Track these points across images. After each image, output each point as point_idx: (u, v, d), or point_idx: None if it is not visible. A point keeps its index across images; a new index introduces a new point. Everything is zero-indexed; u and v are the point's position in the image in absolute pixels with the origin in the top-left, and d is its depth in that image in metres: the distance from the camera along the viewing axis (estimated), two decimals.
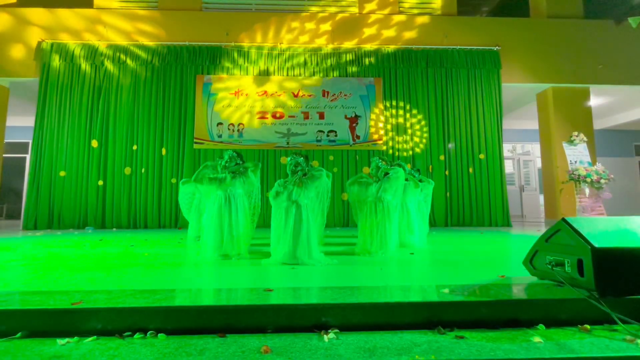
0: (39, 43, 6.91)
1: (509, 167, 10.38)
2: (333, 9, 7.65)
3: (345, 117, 7.15)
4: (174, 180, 6.76)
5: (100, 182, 6.67)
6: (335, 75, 7.25)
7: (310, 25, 7.33)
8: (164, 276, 2.33)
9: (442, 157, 7.12)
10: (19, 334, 1.45)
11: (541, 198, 9.62)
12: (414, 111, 7.23)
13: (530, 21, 7.70)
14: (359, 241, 3.37)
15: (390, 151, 7.10)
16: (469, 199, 7.08)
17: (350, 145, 7.09)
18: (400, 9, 7.66)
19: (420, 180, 4.35)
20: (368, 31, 7.35)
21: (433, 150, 7.14)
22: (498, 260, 2.98)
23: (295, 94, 7.17)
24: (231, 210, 3.06)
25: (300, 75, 7.22)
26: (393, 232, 3.25)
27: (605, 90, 7.80)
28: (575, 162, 6.51)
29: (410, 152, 7.13)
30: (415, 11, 7.74)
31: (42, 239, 4.68)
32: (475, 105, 7.28)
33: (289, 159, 3.01)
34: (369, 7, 7.53)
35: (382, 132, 7.14)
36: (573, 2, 7.73)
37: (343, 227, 6.74)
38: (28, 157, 8.40)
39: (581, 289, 1.67)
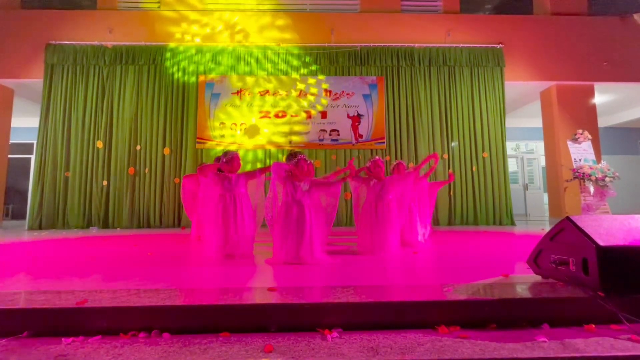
0: (43, 44, 6.95)
1: (512, 165, 10.34)
2: (335, 7, 7.63)
3: (348, 116, 7.14)
4: (177, 180, 6.78)
5: (105, 183, 6.71)
6: (337, 74, 7.24)
7: (312, 24, 7.32)
8: (168, 275, 2.34)
9: (445, 156, 7.09)
10: (24, 333, 1.46)
11: (545, 196, 9.55)
12: (417, 110, 7.20)
13: (533, 18, 7.64)
14: (360, 240, 3.36)
15: (393, 150, 7.08)
16: (473, 198, 7.05)
17: (353, 145, 7.08)
18: (403, 7, 7.63)
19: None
20: (370, 30, 7.32)
21: (436, 149, 7.11)
22: (502, 259, 2.97)
23: (298, 93, 7.17)
24: (235, 210, 3.07)
25: (302, 74, 7.22)
26: (395, 231, 3.24)
27: (610, 88, 7.73)
28: (580, 160, 6.45)
29: (413, 151, 7.10)
30: (418, 9, 7.71)
31: (47, 239, 4.72)
32: (479, 103, 7.24)
33: (292, 161, 2.97)
34: (371, 5, 7.50)
35: (384, 131, 7.12)
36: None
37: (346, 226, 6.74)
38: (33, 157, 8.46)
39: (586, 288, 1.66)
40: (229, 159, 3.20)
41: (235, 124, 7.04)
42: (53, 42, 6.95)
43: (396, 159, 6.75)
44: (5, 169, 7.12)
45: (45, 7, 7.26)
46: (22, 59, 6.93)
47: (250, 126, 7.00)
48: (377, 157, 3.51)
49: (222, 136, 6.99)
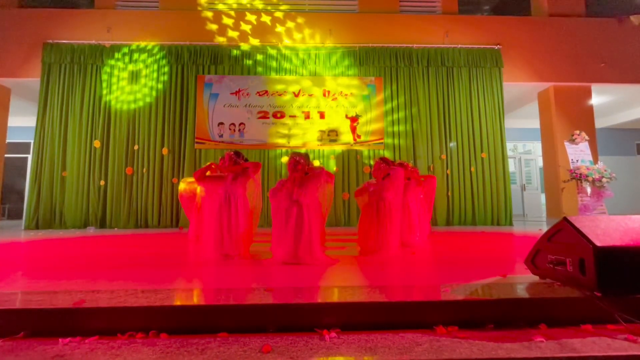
0: (41, 43, 6.91)
1: (510, 166, 10.35)
2: (334, 8, 7.64)
3: (346, 117, 7.14)
4: (175, 181, 6.77)
5: (102, 182, 6.68)
6: (336, 74, 7.24)
7: (310, 24, 7.32)
8: (165, 276, 2.34)
9: (443, 157, 7.11)
10: (21, 334, 1.45)
11: (543, 197, 9.60)
12: (415, 110, 7.21)
13: (531, 19, 7.67)
14: (360, 241, 3.36)
15: (391, 150, 7.09)
16: (471, 198, 7.07)
17: (351, 145, 7.09)
18: (401, 8, 7.65)
19: (421, 178, 4.33)
20: (369, 30, 7.33)
21: (434, 149, 7.13)
22: (499, 260, 2.98)
23: (296, 93, 7.16)
24: (231, 210, 3.06)
25: (300, 74, 7.22)
26: (394, 232, 3.24)
27: (607, 89, 7.76)
28: (577, 160, 6.48)
29: (412, 152, 7.12)
30: (416, 10, 7.73)
31: (43, 239, 4.70)
32: (477, 104, 7.26)
33: (289, 158, 3.02)
34: (370, 6, 7.51)
35: (383, 131, 7.13)
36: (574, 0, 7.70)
37: (344, 226, 6.74)
38: (30, 157, 8.42)
39: (583, 288, 1.67)
40: (226, 159, 3.23)
41: (233, 124, 7.03)
42: (50, 41, 6.92)
43: (394, 159, 6.76)
44: (1, 168, 7.07)
45: (43, 6, 7.23)
46: (20, 58, 6.89)
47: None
48: (379, 158, 3.52)
49: (221, 136, 6.97)
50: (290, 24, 7.31)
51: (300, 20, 7.33)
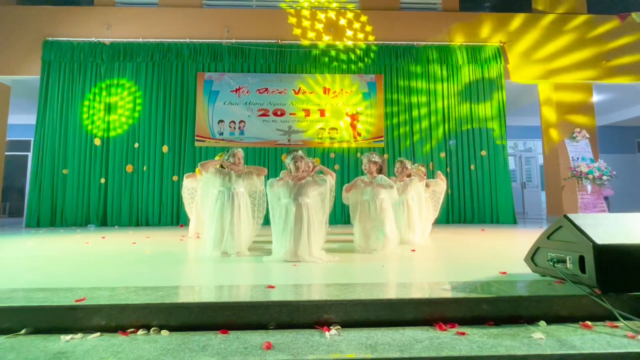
0: (40, 40, 6.90)
1: (510, 163, 10.35)
2: (332, 6, 7.61)
3: (347, 115, 7.14)
4: (175, 178, 6.77)
5: (103, 180, 6.69)
6: (336, 72, 7.22)
7: (310, 22, 7.30)
8: (166, 273, 2.34)
9: (442, 155, 7.10)
10: (23, 331, 1.46)
11: (543, 195, 9.59)
12: (415, 108, 7.20)
13: (532, 16, 7.64)
14: (356, 239, 3.37)
15: (391, 148, 7.09)
16: (471, 196, 7.06)
17: (352, 143, 7.08)
18: (402, 5, 7.62)
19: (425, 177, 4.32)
20: (369, 27, 7.31)
21: (434, 147, 7.12)
22: (499, 257, 2.98)
23: (296, 91, 7.15)
24: (233, 208, 3.07)
25: (300, 72, 7.20)
26: (391, 229, 3.24)
27: (608, 87, 7.74)
28: (577, 158, 6.48)
29: (412, 149, 7.11)
30: (417, 7, 7.70)
31: (44, 237, 4.71)
32: (477, 102, 7.24)
33: (288, 159, 3.03)
34: (371, 3, 7.48)
35: (383, 129, 7.12)
36: None
37: (345, 224, 6.74)
38: (30, 155, 8.43)
39: (583, 286, 1.67)
40: (232, 156, 3.24)
41: (233, 121, 7.02)
42: (50, 38, 6.90)
43: (394, 157, 6.75)
44: (2, 166, 7.08)
45: (42, 3, 7.20)
46: (19, 56, 6.88)
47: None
48: (368, 154, 3.52)
49: (221, 134, 6.97)
50: (290, 21, 7.29)
51: (300, 17, 7.29)
